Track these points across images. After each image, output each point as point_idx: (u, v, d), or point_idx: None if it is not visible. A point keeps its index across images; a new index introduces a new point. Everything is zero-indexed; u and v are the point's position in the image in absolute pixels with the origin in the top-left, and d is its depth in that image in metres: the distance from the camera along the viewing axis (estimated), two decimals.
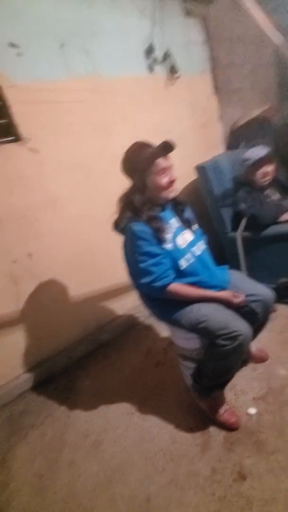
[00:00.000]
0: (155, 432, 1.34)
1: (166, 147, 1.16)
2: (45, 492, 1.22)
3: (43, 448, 1.41)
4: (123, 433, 1.38)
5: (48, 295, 1.81)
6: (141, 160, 1.18)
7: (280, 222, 1.80)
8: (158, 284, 1.16)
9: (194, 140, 2.50)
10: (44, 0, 1.63)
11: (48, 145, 1.71)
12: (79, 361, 1.95)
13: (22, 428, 1.54)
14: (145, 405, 1.49)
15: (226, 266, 1.39)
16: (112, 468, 1.24)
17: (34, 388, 1.79)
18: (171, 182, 1.20)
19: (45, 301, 1.81)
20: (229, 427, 1.25)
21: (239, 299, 1.20)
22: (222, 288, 1.26)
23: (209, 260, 1.33)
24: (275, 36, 1.30)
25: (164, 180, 1.19)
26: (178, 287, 1.19)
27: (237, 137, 2.59)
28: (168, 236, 1.21)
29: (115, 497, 1.14)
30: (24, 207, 1.67)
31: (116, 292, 2.08)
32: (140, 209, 1.18)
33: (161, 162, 1.18)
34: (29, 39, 1.59)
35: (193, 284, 1.22)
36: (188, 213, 1.37)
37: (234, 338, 1.09)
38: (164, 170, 1.19)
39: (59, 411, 1.60)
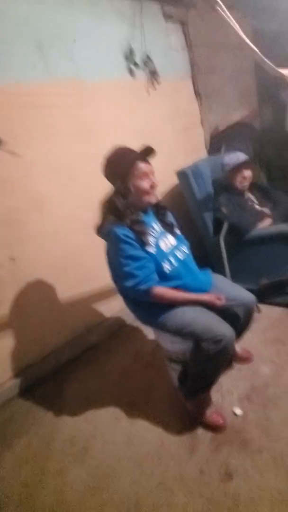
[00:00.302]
0: (143, 436, 1.35)
1: (147, 152, 1.18)
2: (32, 502, 1.20)
3: (29, 457, 1.38)
4: (111, 438, 1.38)
5: (33, 299, 1.78)
6: (123, 165, 1.18)
7: None
8: (142, 287, 1.16)
9: (176, 144, 2.53)
10: (22, 2, 1.60)
11: (32, 148, 1.69)
12: (67, 365, 1.93)
13: (7, 437, 1.51)
14: (134, 409, 1.50)
15: (209, 270, 1.41)
16: (100, 474, 1.23)
17: (21, 394, 1.76)
18: (152, 187, 1.22)
19: (31, 305, 1.78)
20: (216, 428, 1.27)
21: (221, 301, 1.23)
22: (205, 291, 1.28)
23: (192, 264, 1.35)
24: (251, 42, 1.34)
25: (146, 184, 1.20)
26: (162, 290, 1.20)
27: (218, 142, 2.64)
28: (151, 240, 1.22)
29: (104, 503, 1.13)
30: (7, 210, 1.64)
31: (104, 294, 2.07)
32: (123, 213, 1.19)
33: (143, 166, 1.19)
34: (7, 41, 1.56)
35: (176, 287, 1.23)
36: (170, 218, 1.38)
37: (218, 341, 1.11)
38: (146, 174, 1.20)
39: (46, 418, 1.58)
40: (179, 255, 1.30)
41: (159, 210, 1.34)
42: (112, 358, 1.92)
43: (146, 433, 1.36)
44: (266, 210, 1.96)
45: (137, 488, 1.15)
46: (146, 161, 1.21)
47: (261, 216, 1.92)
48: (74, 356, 1.98)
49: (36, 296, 1.79)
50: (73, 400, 1.65)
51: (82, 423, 1.49)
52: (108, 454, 1.31)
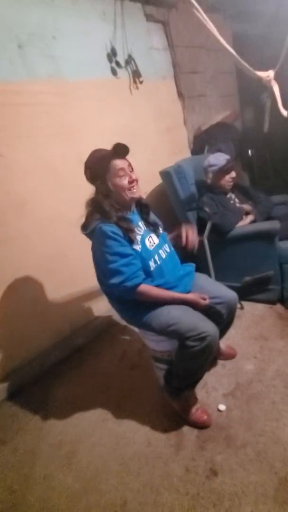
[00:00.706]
0: (130, 437, 1.35)
1: (120, 149, 1.18)
2: (19, 509, 1.18)
3: (14, 464, 1.35)
4: (98, 440, 1.37)
5: (17, 301, 1.75)
6: (99, 166, 1.19)
7: None
8: (129, 284, 1.16)
9: (160, 144, 2.54)
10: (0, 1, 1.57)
11: (12, 147, 1.66)
12: (53, 368, 1.91)
13: None
14: (120, 410, 1.50)
15: (192, 266, 1.42)
16: (87, 477, 1.23)
17: (5, 400, 1.72)
18: (132, 182, 1.22)
19: (14, 307, 1.74)
20: (201, 426, 1.29)
21: (206, 301, 1.24)
22: (187, 289, 1.29)
23: (174, 262, 1.36)
24: (231, 45, 1.36)
25: (124, 180, 1.20)
26: (148, 288, 1.21)
27: (201, 142, 2.67)
28: (137, 238, 1.23)
29: (91, 506, 1.12)
30: None
31: (90, 295, 2.06)
32: (109, 211, 1.19)
33: (118, 163, 1.19)
34: None
35: (159, 286, 1.24)
36: (153, 217, 1.39)
37: (202, 339, 1.12)
38: (123, 170, 1.20)
39: (31, 424, 1.55)
40: (162, 253, 1.31)
41: (143, 209, 1.35)
42: (99, 360, 1.91)
43: (133, 433, 1.36)
44: (247, 206, 2.00)
45: (124, 489, 1.15)
46: (122, 158, 1.21)
47: (242, 214, 1.96)
48: (60, 359, 1.96)
49: (20, 298, 1.76)
50: (59, 404, 1.63)
51: (68, 427, 1.48)
52: (95, 457, 1.30)
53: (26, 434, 1.50)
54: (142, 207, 1.35)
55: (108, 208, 1.19)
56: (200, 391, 1.44)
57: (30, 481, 1.27)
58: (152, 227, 1.34)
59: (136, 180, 1.23)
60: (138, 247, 1.22)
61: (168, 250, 1.36)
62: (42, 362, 1.88)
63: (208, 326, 1.16)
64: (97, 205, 1.22)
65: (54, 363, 1.93)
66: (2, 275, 1.69)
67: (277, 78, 1.52)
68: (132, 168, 1.25)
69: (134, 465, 1.23)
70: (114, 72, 2.15)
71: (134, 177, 1.22)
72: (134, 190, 1.23)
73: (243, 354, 1.62)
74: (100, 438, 1.38)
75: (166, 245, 1.36)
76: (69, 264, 1.94)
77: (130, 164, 1.24)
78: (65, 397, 1.67)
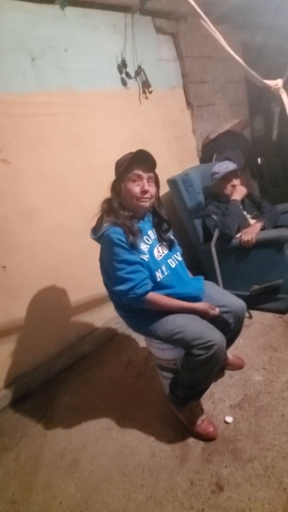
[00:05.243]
0: (134, 447, 1.33)
1: (138, 155, 1.18)
2: None
3: (17, 472, 1.34)
4: (102, 449, 1.35)
5: (24, 308, 1.77)
6: (121, 163, 1.21)
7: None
8: (138, 291, 1.14)
9: (168, 152, 2.56)
10: (13, 14, 1.63)
11: (22, 157, 1.70)
12: (58, 375, 1.91)
13: None
14: (125, 419, 1.47)
15: (202, 277, 1.41)
16: (90, 488, 1.20)
17: (10, 406, 1.73)
18: (143, 192, 1.20)
19: (21, 314, 1.76)
20: (207, 438, 1.26)
21: (215, 311, 1.22)
22: (196, 299, 1.27)
23: (183, 271, 1.34)
24: (240, 54, 1.37)
25: (136, 188, 1.20)
26: (156, 296, 1.19)
27: (210, 150, 2.68)
28: (145, 247, 1.23)
29: None
30: None
31: (96, 302, 2.06)
32: (118, 209, 1.19)
33: (137, 169, 1.19)
34: None
35: (168, 295, 1.23)
36: (170, 236, 1.37)
37: (209, 347, 1.10)
38: (139, 177, 1.20)
39: (35, 430, 1.54)
40: (171, 263, 1.30)
41: (161, 223, 1.33)
42: (104, 368, 1.89)
43: (137, 443, 1.34)
44: (254, 215, 1.99)
45: (127, 502, 1.12)
46: (147, 168, 1.21)
47: (247, 221, 1.94)
48: (65, 366, 1.95)
49: (26, 305, 1.78)
50: (63, 412, 1.62)
51: (72, 435, 1.47)
52: (98, 466, 1.28)
53: (30, 440, 1.49)
54: (162, 222, 1.33)
55: (116, 207, 1.20)
56: (206, 402, 1.41)
57: (32, 489, 1.25)
58: (165, 242, 1.32)
59: (150, 194, 1.22)
60: (145, 257, 1.21)
61: (179, 258, 1.34)
62: (48, 368, 1.88)
63: (215, 335, 1.14)
64: (109, 203, 1.23)
65: (60, 370, 1.93)
66: (12, 282, 1.71)
67: (285, 86, 1.52)
68: (153, 181, 1.24)
69: (138, 476, 1.20)
70: (124, 83, 2.19)
71: (147, 188, 1.20)
72: (143, 201, 1.22)
73: (251, 364, 1.58)
74: (103, 447, 1.36)
75: (176, 254, 1.35)
76: (75, 272, 1.95)
77: (152, 177, 1.23)
78: (70, 404, 1.66)
